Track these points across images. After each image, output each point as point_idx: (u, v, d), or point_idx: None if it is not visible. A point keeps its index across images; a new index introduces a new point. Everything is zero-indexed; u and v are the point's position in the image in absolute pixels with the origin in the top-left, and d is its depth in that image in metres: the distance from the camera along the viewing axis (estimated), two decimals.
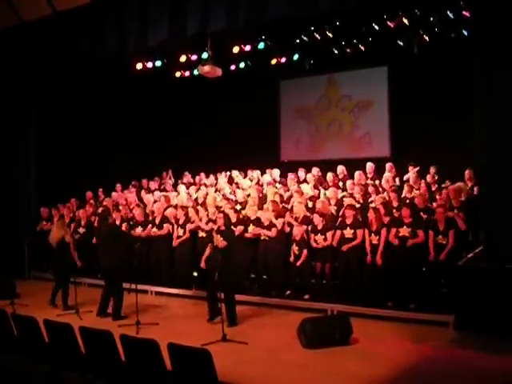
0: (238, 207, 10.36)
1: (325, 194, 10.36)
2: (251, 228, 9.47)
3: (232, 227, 8.95)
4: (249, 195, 10.72)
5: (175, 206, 10.77)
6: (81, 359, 5.35)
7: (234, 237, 8.24)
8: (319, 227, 8.84)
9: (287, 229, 9.24)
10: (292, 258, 8.89)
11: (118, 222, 10.31)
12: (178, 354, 4.60)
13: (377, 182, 10.71)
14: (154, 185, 13.39)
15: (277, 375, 5.92)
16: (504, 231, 7.36)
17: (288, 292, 9.03)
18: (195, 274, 10.00)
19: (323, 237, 8.76)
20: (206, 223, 9.63)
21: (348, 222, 8.65)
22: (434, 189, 10.02)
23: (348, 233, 8.59)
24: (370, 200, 9.61)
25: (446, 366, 6.20)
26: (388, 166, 10.97)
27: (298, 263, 8.78)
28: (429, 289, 7.98)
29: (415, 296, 8.00)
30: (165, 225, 10.26)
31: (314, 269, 8.90)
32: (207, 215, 9.79)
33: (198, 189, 12.20)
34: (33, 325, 5.77)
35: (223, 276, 7.48)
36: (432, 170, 10.55)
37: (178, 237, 10.09)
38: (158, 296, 10.03)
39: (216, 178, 13.09)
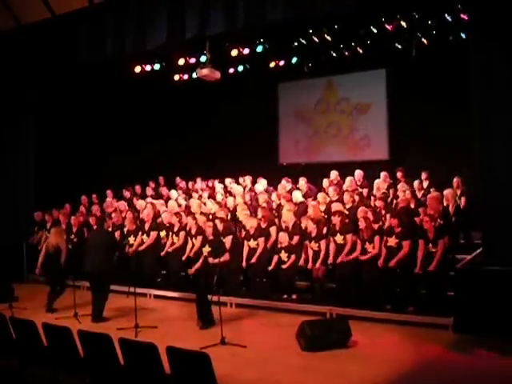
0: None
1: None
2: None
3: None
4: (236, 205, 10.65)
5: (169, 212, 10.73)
6: (79, 363, 5.34)
7: (224, 246, 8.24)
8: (313, 234, 8.87)
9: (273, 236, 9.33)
10: (273, 265, 8.96)
11: (110, 229, 10.25)
12: (176, 357, 4.59)
13: (366, 190, 10.69)
14: (149, 191, 13.31)
15: (276, 378, 5.91)
16: (503, 233, 7.37)
17: (289, 296, 8.99)
18: (182, 273, 9.96)
19: (317, 244, 8.81)
20: (195, 233, 9.61)
21: (337, 228, 8.71)
22: (420, 195, 9.95)
23: (339, 239, 8.65)
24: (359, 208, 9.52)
25: (446, 368, 6.19)
26: (382, 175, 10.92)
27: (285, 266, 8.86)
28: (427, 291, 7.98)
29: (414, 299, 8.00)
30: (152, 232, 10.24)
31: (311, 272, 8.92)
32: (196, 223, 9.74)
33: (191, 196, 12.13)
34: (31, 328, 5.75)
35: (222, 279, 7.49)
36: (423, 175, 10.51)
37: (172, 243, 10.09)
38: (157, 299, 10.01)
39: (207, 185, 13.04)
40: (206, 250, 7.82)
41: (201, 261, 8.23)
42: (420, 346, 6.92)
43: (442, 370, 6.13)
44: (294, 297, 8.91)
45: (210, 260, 7.67)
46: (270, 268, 9.03)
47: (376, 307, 8.08)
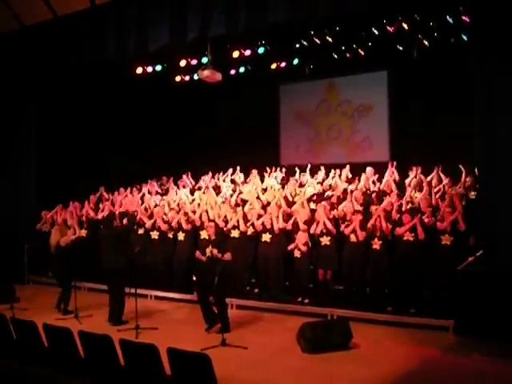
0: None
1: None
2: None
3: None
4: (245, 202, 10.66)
5: (178, 212, 10.73)
6: (80, 364, 5.33)
7: (228, 245, 8.22)
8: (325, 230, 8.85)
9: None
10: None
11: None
12: (177, 358, 4.58)
13: (378, 185, 10.73)
14: (154, 188, 13.31)
15: (276, 380, 5.92)
16: (504, 235, 7.37)
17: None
18: (194, 278, 9.97)
19: (329, 238, 8.77)
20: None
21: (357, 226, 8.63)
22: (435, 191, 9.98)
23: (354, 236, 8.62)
24: (373, 207, 9.50)
25: (446, 370, 6.20)
26: (389, 170, 10.96)
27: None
28: (429, 293, 7.98)
29: (415, 301, 8.00)
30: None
31: (316, 275, 8.91)
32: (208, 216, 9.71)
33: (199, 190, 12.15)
34: (32, 329, 5.75)
35: (220, 280, 7.44)
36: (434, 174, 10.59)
37: (180, 241, 10.07)
38: (158, 300, 10.01)
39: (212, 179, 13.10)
40: (210, 249, 7.80)
41: (204, 259, 8.21)
42: (421, 348, 6.91)
43: (443, 372, 6.13)
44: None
45: (215, 252, 7.63)
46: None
47: (377, 309, 8.08)
